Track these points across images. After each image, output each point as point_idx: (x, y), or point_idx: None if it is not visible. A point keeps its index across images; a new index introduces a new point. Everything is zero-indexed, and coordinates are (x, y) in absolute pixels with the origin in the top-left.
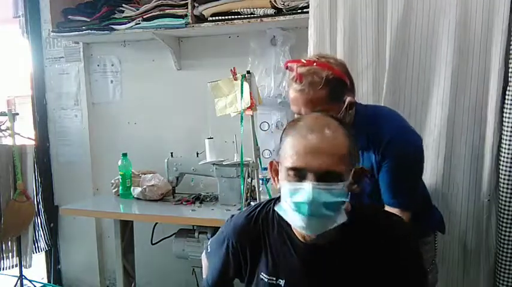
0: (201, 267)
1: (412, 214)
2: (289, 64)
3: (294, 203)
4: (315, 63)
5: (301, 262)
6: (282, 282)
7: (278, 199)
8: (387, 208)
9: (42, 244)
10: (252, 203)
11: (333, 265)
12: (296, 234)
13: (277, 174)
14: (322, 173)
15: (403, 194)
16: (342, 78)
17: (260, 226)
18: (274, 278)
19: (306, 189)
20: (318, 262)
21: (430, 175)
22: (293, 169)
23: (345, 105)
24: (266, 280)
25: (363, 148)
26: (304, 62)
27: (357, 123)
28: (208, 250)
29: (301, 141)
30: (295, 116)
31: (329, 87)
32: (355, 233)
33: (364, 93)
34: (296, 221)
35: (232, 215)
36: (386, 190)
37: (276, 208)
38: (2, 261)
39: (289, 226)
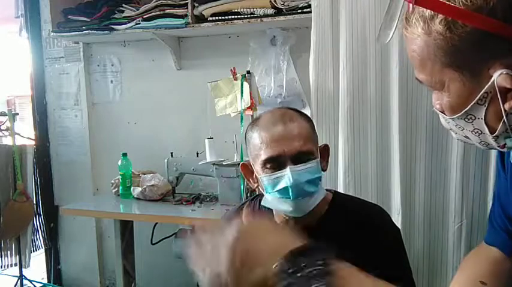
0: None
1: None
2: None
3: (278, 192)
4: None
5: None
6: None
7: (262, 195)
8: None
9: (41, 244)
10: None
11: None
12: (277, 220)
13: (251, 175)
14: (296, 155)
15: None
16: None
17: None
18: None
19: (286, 174)
20: None
21: None
22: (268, 159)
23: None
24: None
25: None
26: None
27: None
28: None
29: (267, 133)
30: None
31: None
32: (335, 218)
33: (372, 97)
34: (284, 207)
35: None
36: None
37: (262, 204)
38: (0, 259)
39: (272, 212)
